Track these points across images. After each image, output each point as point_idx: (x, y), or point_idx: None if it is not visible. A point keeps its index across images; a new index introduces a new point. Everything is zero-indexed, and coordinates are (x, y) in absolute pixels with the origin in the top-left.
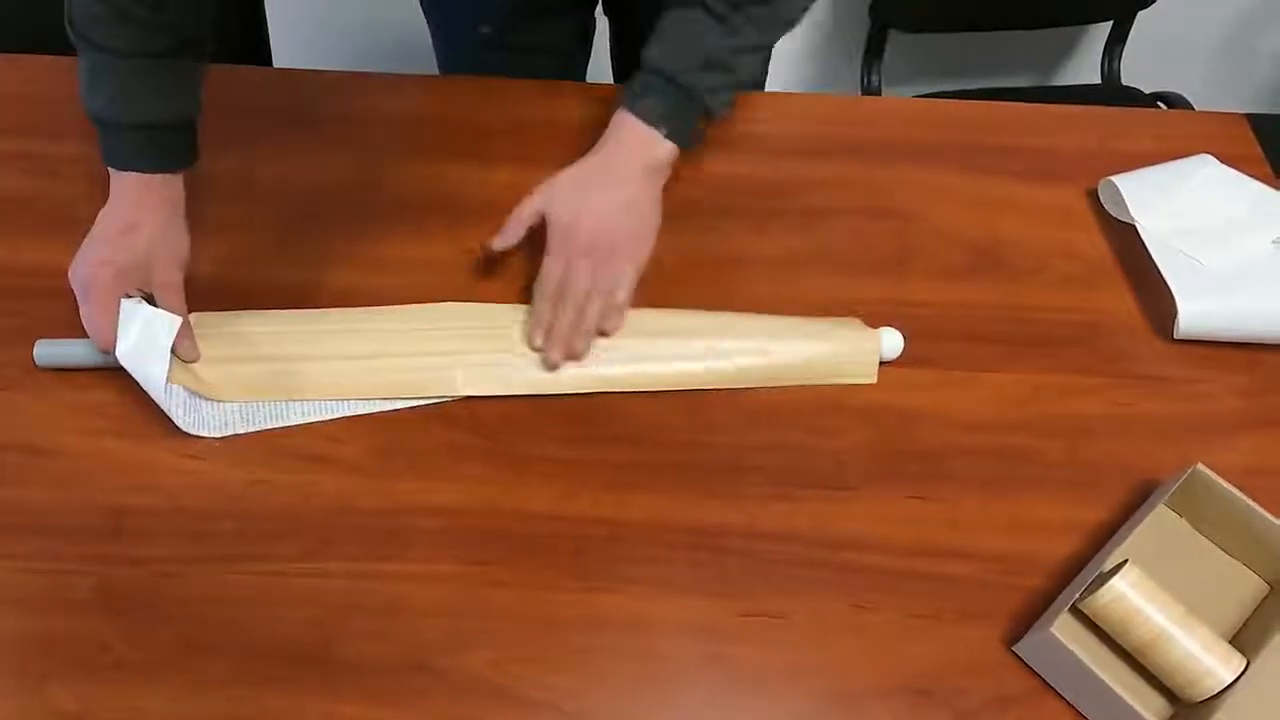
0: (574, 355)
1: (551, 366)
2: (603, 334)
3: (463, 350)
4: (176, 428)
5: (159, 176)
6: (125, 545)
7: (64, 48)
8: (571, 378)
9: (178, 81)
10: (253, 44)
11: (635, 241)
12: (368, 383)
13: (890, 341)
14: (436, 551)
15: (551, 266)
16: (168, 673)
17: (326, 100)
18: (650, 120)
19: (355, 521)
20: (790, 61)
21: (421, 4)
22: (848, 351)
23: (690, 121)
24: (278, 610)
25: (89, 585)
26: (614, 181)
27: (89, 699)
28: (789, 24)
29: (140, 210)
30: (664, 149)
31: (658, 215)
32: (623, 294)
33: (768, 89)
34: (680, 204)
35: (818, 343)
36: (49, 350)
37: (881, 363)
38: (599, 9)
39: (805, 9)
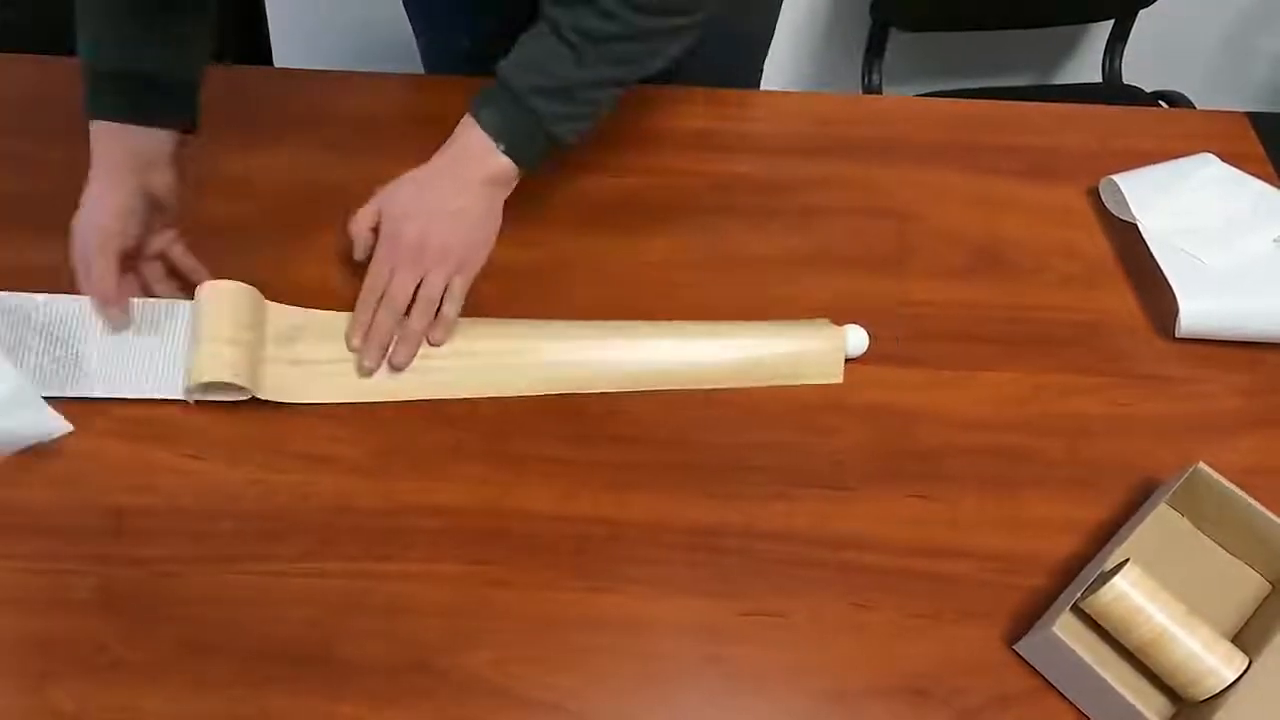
0: (395, 364)
1: (366, 372)
2: (431, 344)
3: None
4: (176, 428)
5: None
6: (125, 545)
7: (58, 49)
8: (594, 375)
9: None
10: (253, 44)
11: (465, 250)
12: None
13: (855, 339)
14: (437, 551)
15: (377, 269)
16: (167, 673)
17: (327, 100)
18: (490, 132)
19: (355, 521)
20: (791, 60)
21: (407, 11)
22: (813, 350)
23: (532, 143)
24: (278, 610)
25: (89, 585)
26: (450, 189)
27: (88, 699)
28: (647, 67)
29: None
30: (502, 163)
31: (492, 226)
32: (450, 307)
33: (767, 87)
34: (679, 202)
35: (782, 341)
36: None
37: (848, 360)
38: None
39: (669, 57)
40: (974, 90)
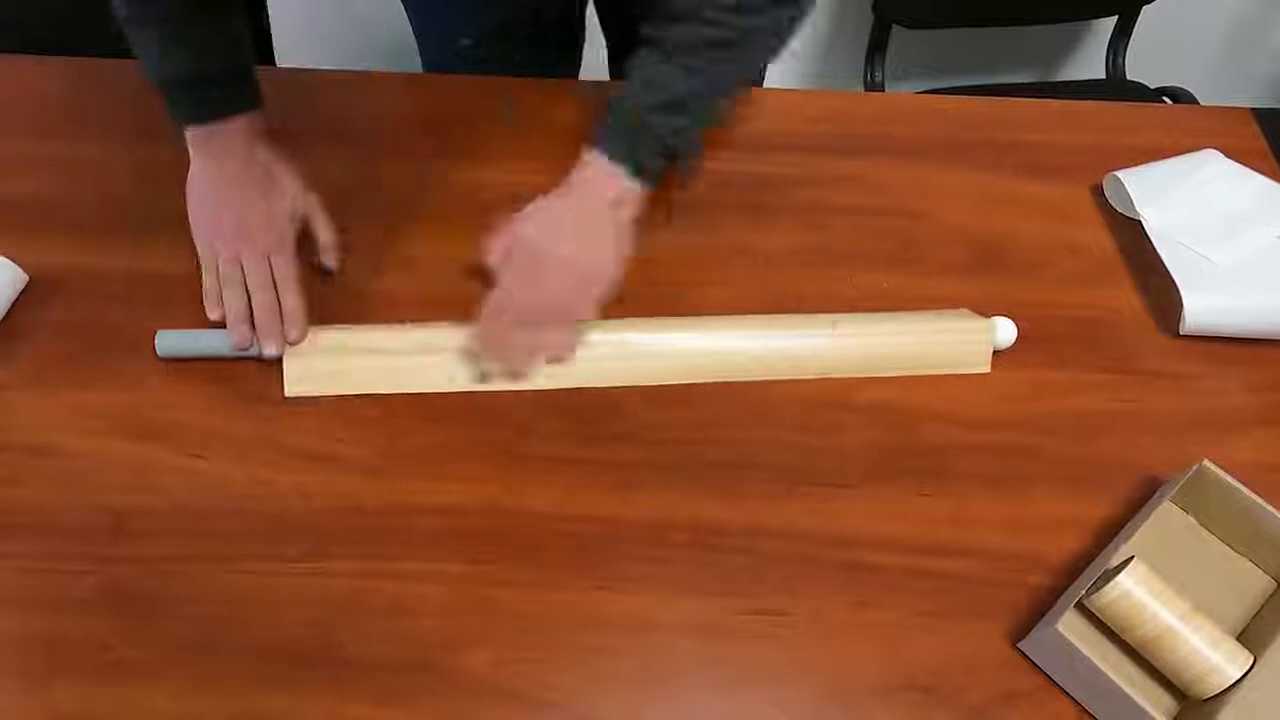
0: (519, 373)
1: (486, 375)
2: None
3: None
4: (177, 427)
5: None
6: (126, 545)
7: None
8: (692, 365)
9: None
10: (256, 43)
11: (594, 269)
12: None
13: (1005, 332)
14: (438, 551)
15: (506, 287)
16: (168, 672)
17: (330, 99)
18: (614, 159)
19: (357, 521)
20: (793, 58)
21: (406, 9)
22: (961, 340)
23: (654, 161)
24: (279, 610)
25: (89, 585)
26: (578, 214)
27: (89, 698)
28: (757, 64)
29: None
30: (628, 186)
31: (621, 246)
32: (570, 354)
33: (771, 85)
34: (683, 201)
35: (932, 328)
36: (171, 341)
37: (997, 352)
38: (599, 26)
39: (779, 50)
40: (976, 87)
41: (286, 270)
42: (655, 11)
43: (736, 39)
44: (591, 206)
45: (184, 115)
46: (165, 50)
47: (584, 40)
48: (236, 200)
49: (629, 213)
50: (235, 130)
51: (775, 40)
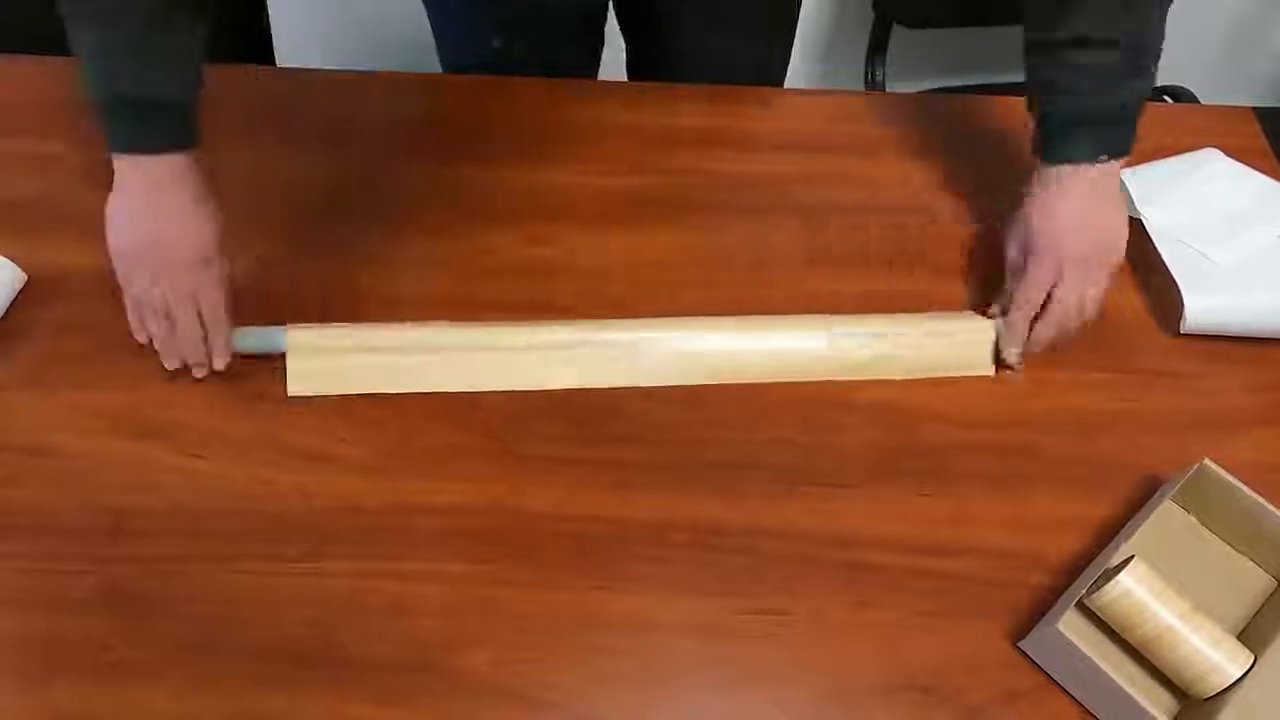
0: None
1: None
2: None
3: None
4: (177, 427)
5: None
6: (125, 545)
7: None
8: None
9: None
10: (256, 43)
11: (1110, 250)
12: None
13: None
14: (439, 551)
15: (1038, 276)
16: (168, 672)
17: (330, 99)
18: (1088, 160)
19: (357, 521)
20: (793, 58)
21: (426, 7)
22: (963, 341)
23: (1126, 133)
24: (279, 610)
25: (89, 585)
26: (1098, 203)
27: (89, 699)
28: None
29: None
30: (1109, 169)
31: (1125, 213)
32: (1096, 307)
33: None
34: (683, 200)
35: (934, 329)
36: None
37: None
38: (619, 30)
39: None
40: (977, 87)
41: (215, 312)
42: (1034, 21)
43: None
44: (1085, 200)
45: (122, 142)
46: (117, 59)
47: (604, 42)
48: (163, 235)
49: (1117, 180)
50: (178, 163)
51: None
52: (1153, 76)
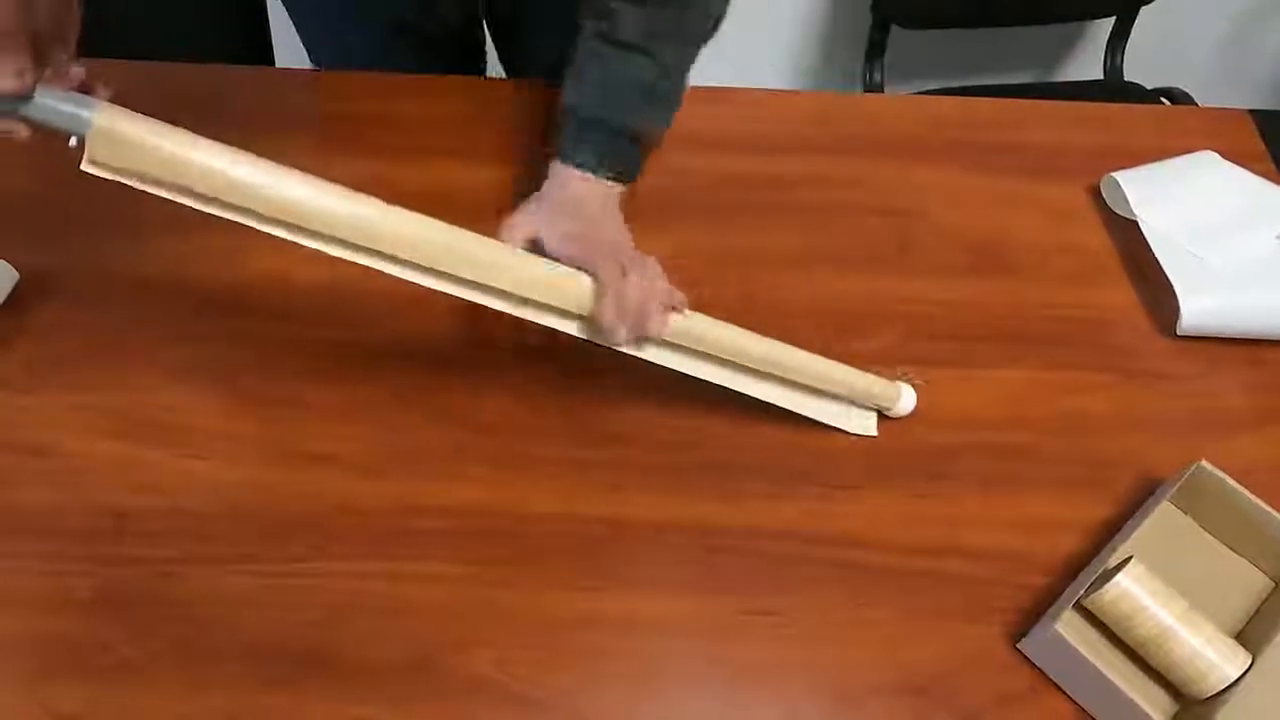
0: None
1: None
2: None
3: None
4: (177, 428)
5: None
6: (125, 545)
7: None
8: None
9: None
10: (255, 44)
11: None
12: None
13: (906, 400)
14: (438, 551)
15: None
16: (168, 673)
17: (329, 100)
18: (591, 169)
19: (357, 521)
20: (792, 59)
21: (288, 11)
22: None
23: (632, 157)
24: (279, 611)
25: (89, 586)
26: (580, 217)
27: (89, 699)
28: (702, 39)
29: None
30: (611, 188)
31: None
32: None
33: (769, 86)
34: (681, 201)
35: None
36: None
37: (890, 417)
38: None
39: (716, 21)
40: (974, 88)
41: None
42: (584, 9)
43: (679, 10)
44: (585, 212)
45: None
46: None
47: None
48: None
49: (619, 202)
50: None
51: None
52: (662, 119)
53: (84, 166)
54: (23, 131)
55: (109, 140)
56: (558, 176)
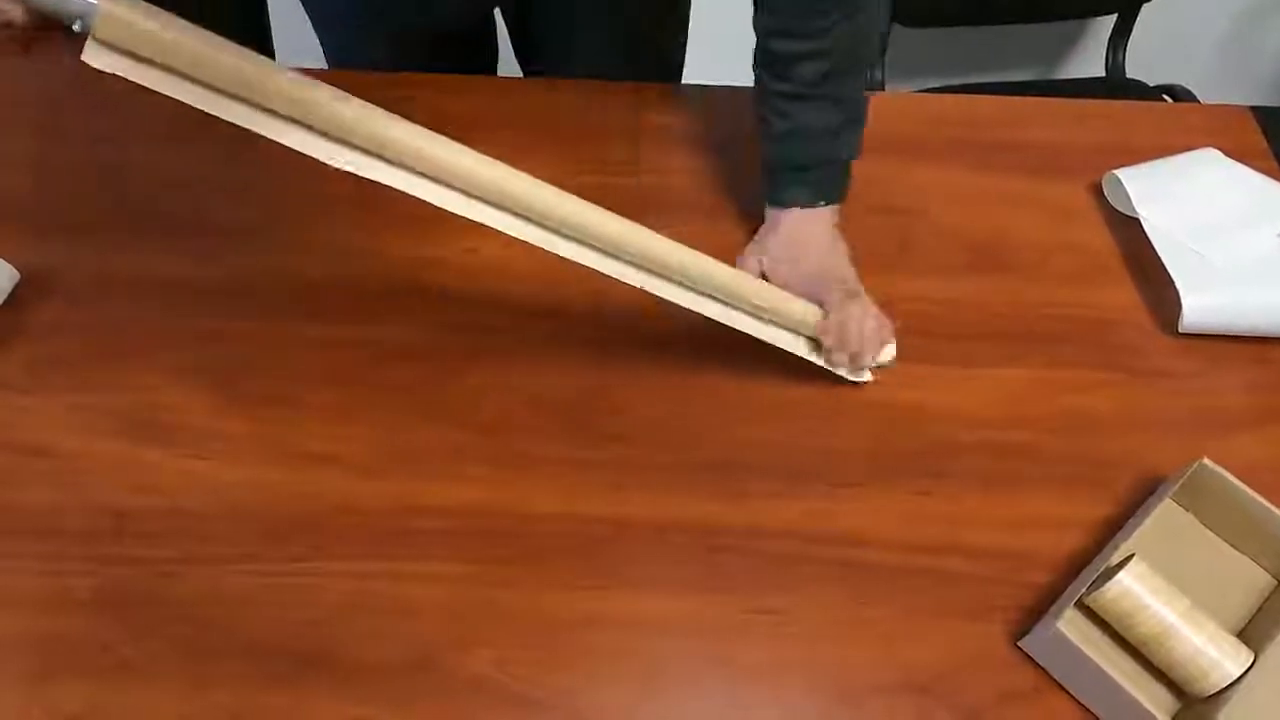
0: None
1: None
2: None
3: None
4: (176, 428)
5: None
6: (125, 546)
7: None
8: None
9: None
10: (256, 44)
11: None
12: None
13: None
14: (438, 551)
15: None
16: (169, 673)
17: None
18: (804, 205)
19: (357, 521)
20: None
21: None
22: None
23: (839, 183)
24: (279, 610)
25: (89, 586)
26: (807, 253)
27: (90, 699)
28: (873, 61)
29: None
30: (827, 213)
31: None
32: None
33: None
34: (682, 199)
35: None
36: None
37: (878, 368)
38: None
39: (879, 49)
40: (976, 85)
41: None
42: (765, 59)
43: (850, 50)
44: (810, 246)
45: None
46: None
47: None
48: None
49: (836, 226)
50: None
51: (873, 27)
52: (855, 140)
53: (84, 56)
54: (18, 15)
55: (116, 21)
56: (773, 218)
